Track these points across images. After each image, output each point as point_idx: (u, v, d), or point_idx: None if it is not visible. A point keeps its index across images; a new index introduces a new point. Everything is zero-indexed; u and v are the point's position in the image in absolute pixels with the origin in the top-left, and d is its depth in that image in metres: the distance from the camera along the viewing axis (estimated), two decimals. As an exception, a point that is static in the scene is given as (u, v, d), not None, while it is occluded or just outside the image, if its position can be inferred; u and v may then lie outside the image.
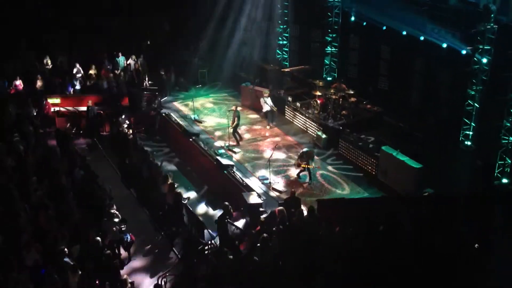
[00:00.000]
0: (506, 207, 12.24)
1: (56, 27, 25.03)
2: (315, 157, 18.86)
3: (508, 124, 16.76)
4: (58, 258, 11.69)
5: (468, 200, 13.49)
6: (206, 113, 23.71)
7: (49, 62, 23.91)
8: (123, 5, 26.37)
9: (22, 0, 24.30)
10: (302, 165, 17.98)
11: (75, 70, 23.53)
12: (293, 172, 18.56)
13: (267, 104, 22.00)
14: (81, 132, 21.36)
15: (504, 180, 17.02)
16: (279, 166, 19.01)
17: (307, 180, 18.08)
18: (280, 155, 19.78)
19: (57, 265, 11.45)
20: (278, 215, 14.16)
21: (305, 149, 18.38)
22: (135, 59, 25.18)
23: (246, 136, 21.38)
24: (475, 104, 18.34)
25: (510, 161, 16.93)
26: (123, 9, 26.45)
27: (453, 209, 12.73)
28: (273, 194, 17.29)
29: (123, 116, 21.04)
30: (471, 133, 18.74)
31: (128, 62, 25.02)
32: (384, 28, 21.94)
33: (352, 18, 23.96)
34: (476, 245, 11.09)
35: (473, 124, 18.59)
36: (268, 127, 22.15)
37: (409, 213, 12.51)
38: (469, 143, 18.85)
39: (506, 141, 16.86)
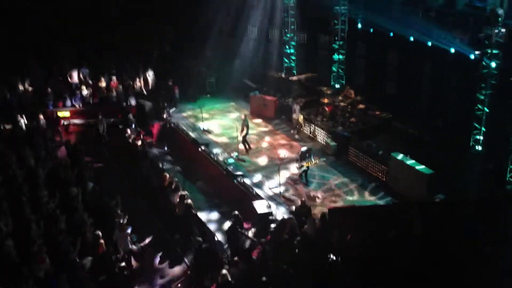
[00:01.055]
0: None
1: (64, 39, 25.19)
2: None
3: (518, 128, 16.66)
4: (70, 270, 11.72)
5: (480, 204, 13.39)
6: (214, 122, 23.75)
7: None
8: (130, 15, 26.46)
9: (30, 12, 24.46)
10: (305, 165, 18.00)
11: (81, 89, 23.57)
12: (303, 180, 18.54)
13: (295, 113, 22.17)
14: (91, 144, 21.42)
15: (516, 185, 16.89)
16: (289, 175, 18.97)
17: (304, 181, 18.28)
18: (289, 163, 19.74)
19: (69, 277, 11.48)
20: (287, 225, 14.14)
21: (303, 149, 18.43)
22: (144, 73, 25.22)
23: (256, 145, 21.36)
24: (485, 109, 18.24)
25: (521, 165, 16.80)
26: (130, 20, 26.56)
27: (464, 214, 12.63)
28: (284, 202, 17.24)
29: (132, 127, 21.10)
30: (481, 137, 18.63)
31: (138, 73, 25.09)
32: (391, 34, 21.92)
33: (359, 25, 23.97)
34: (488, 249, 11.00)
35: (483, 128, 18.48)
36: (296, 135, 22.21)
37: (421, 219, 12.41)
38: (479, 147, 18.73)
39: (517, 145, 16.75)
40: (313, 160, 18.24)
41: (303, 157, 18.20)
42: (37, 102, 22.54)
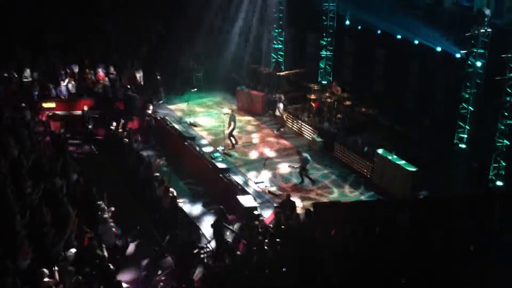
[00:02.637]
0: (502, 209, 12.28)
1: (52, 29, 24.97)
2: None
3: (503, 127, 16.83)
4: (54, 263, 11.66)
5: (464, 201, 13.54)
6: (201, 116, 23.71)
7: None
8: (119, 8, 26.29)
9: (18, 2, 24.21)
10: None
11: (67, 80, 23.33)
12: (288, 174, 18.61)
13: (279, 109, 22.18)
14: (77, 136, 21.29)
15: (499, 183, 17.08)
16: (274, 169, 19.02)
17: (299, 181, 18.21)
18: (275, 158, 19.79)
19: (52, 268, 11.42)
20: (274, 218, 14.21)
21: (305, 155, 18.31)
22: (133, 70, 25.06)
23: (242, 139, 21.37)
24: (470, 107, 18.41)
25: (504, 164, 16.99)
26: (119, 12, 26.39)
27: (449, 211, 12.76)
28: (269, 197, 17.29)
29: (119, 120, 20.98)
30: (465, 136, 18.81)
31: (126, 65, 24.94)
32: (379, 31, 22.00)
33: (347, 22, 24.01)
34: (472, 247, 11.12)
35: (467, 127, 18.66)
36: (278, 131, 22.17)
37: (405, 215, 12.52)
38: (463, 145, 18.91)
39: (501, 144, 16.92)
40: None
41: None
42: (22, 92, 22.33)
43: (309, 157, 18.27)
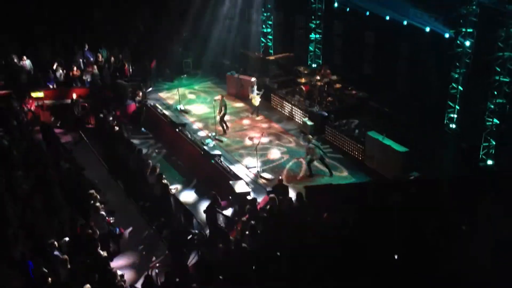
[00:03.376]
0: (492, 189, 12.38)
1: (39, 19, 24.72)
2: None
3: (492, 106, 16.91)
4: (47, 251, 11.65)
5: (455, 182, 13.64)
6: (191, 102, 23.63)
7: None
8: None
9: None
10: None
11: (55, 65, 23.16)
12: (279, 159, 18.65)
13: (252, 93, 22.04)
14: (66, 125, 21.18)
15: (489, 162, 17.20)
16: (266, 154, 19.04)
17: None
18: (267, 143, 19.80)
19: (46, 258, 11.42)
20: (269, 203, 14.23)
21: (311, 145, 17.86)
22: (120, 52, 24.92)
23: (233, 125, 21.34)
24: (459, 87, 18.46)
25: (494, 143, 17.09)
26: (106, 1, 26.16)
27: (440, 192, 12.85)
28: (261, 182, 17.32)
29: (108, 108, 20.87)
30: (455, 116, 18.89)
31: (113, 53, 24.76)
32: (368, 13, 21.92)
33: (336, 4, 23.89)
34: (464, 227, 11.21)
35: (457, 107, 18.73)
36: (252, 115, 22.10)
37: (397, 196, 12.59)
38: (453, 126, 18.99)
39: (490, 123, 17.01)
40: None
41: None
42: (11, 83, 22.13)
43: (319, 147, 17.85)
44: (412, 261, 10.32)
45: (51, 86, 22.73)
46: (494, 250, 9.70)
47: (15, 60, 22.73)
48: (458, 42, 18.03)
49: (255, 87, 22.17)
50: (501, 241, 9.72)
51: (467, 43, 17.84)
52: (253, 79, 22.69)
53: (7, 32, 23.67)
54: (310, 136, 18.31)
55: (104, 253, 12.41)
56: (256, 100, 21.86)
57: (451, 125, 19.02)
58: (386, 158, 17.14)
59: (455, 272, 9.49)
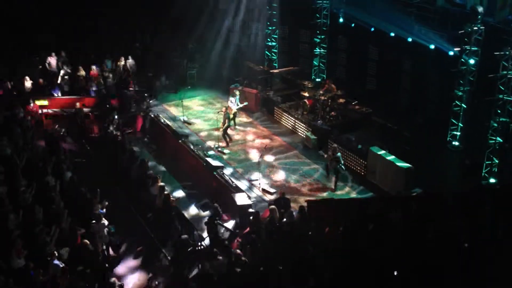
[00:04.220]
0: (494, 206, 12.34)
1: (45, 28, 24.90)
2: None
3: (495, 125, 16.92)
4: (47, 261, 11.63)
5: (457, 198, 13.60)
6: (195, 114, 23.68)
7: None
8: (112, 6, 26.24)
9: (9, 3, 24.14)
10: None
11: (62, 72, 23.32)
12: (281, 173, 18.65)
13: (232, 103, 21.50)
14: (70, 134, 21.21)
15: (492, 180, 17.17)
16: (268, 167, 19.03)
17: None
18: (269, 156, 19.81)
19: (46, 267, 11.39)
20: (269, 215, 14.21)
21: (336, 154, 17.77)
22: (124, 61, 25.07)
23: (236, 137, 21.36)
24: (463, 105, 18.50)
25: (497, 161, 17.08)
26: (112, 10, 26.32)
27: (442, 208, 12.82)
28: (263, 195, 17.30)
29: (112, 118, 20.92)
30: (458, 133, 18.91)
31: (118, 64, 24.88)
32: (372, 29, 22.06)
33: (341, 20, 24.05)
34: (466, 245, 11.16)
35: (460, 124, 18.75)
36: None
37: (399, 212, 12.56)
38: (456, 143, 19.01)
39: (493, 141, 17.02)
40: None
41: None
42: (14, 90, 22.21)
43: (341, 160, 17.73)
44: (413, 277, 10.27)
45: (55, 95, 22.82)
46: (496, 267, 9.66)
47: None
48: (462, 60, 18.09)
49: (237, 97, 21.75)
50: (503, 258, 9.69)
51: (472, 61, 17.91)
52: (236, 91, 22.21)
53: (12, 40, 23.82)
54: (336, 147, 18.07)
55: (104, 263, 12.38)
56: (233, 111, 21.43)
57: (454, 143, 19.03)
58: (389, 173, 17.13)
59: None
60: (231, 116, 21.32)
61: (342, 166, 17.62)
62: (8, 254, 11.47)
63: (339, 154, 17.63)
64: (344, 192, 17.62)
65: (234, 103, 21.42)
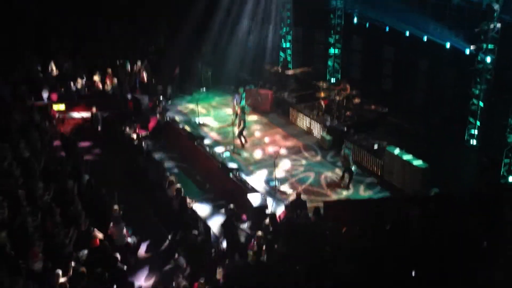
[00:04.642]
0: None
1: (60, 33, 25.15)
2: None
3: (513, 123, 16.75)
4: (66, 263, 11.72)
5: (475, 198, 13.47)
6: (210, 116, 23.74)
7: (53, 68, 23.96)
8: (126, 10, 26.45)
9: (25, 8, 24.41)
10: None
11: (78, 81, 23.54)
12: (297, 173, 18.61)
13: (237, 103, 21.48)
14: (87, 137, 21.38)
15: (511, 179, 16.97)
16: (284, 168, 19.00)
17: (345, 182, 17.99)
18: (284, 157, 19.78)
19: (65, 270, 11.48)
20: (285, 216, 14.19)
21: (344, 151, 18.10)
22: (141, 64, 25.24)
23: (251, 138, 21.38)
24: (480, 103, 18.32)
25: (515, 159, 16.90)
26: (126, 14, 26.53)
27: (460, 208, 12.70)
28: (279, 196, 17.28)
29: (128, 121, 21.06)
30: (476, 132, 18.72)
31: (134, 67, 25.06)
32: (387, 29, 21.95)
33: (355, 20, 23.98)
34: (485, 243, 11.05)
35: (478, 123, 18.56)
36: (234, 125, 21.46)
37: (416, 212, 12.48)
38: (474, 142, 18.83)
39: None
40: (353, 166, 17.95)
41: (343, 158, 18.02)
42: (32, 95, 22.46)
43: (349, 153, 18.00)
44: (431, 277, 10.19)
45: (72, 99, 23.02)
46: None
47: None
48: (479, 58, 17.92)
49: (243, 98, 21.61)
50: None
51: (488, 59, 17.73)
52: (241, 89, 22.02)
53: (27, 45, 24.09)
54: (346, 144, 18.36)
55: (122, 265, 12.44)
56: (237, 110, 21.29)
57: (471, 141, 18.86)
58: (406, 173, 17.00)
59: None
60: (238, 114, 21.12)
61: (353, 166, 17.64)
62: (27, 256, 11.58)
63: (347, 151, 17.73)
64: (361, 193, 17.53)
65: (238, 102, 21.34)
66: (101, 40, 25.89)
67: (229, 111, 23.66)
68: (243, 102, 21.28)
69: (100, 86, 23.66)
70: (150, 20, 27.07)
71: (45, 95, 22.74)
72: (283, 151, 19.98)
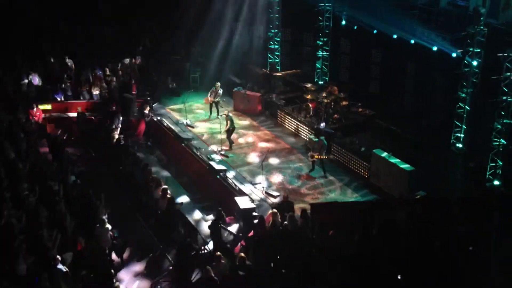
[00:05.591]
0: (499, 209, 12.30)
1: (50, 34, 24.98)
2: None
3: (499, 126, 16.85)
4: (51, 265, 11.61)
5: (462, 202, 13.56)
6: (198, 117, 23.67)
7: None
8: (115, 12, 26.32)
9: (17, 9, 24.24)
10: (315, 156, 18.29)
11: (65, 76, 23.37)
12: (285, 176, 18.61)
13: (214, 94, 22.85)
14: (73, 138, 21.23)
15: (496, 182, 17.09)
16: (271, 170, 18.99)
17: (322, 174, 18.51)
18: (272, 159, 19.77)
19: (50, 272, 11.37)
20: (271, 219, 14.18)
21: (316, 139, 18.71)
22: (128, 64, 25.11)
23: (239, 140, 21.35)
24: (466, 107, 18.43)
25: (501, 163, 17.01)
26: (114, 16, 26.41)
27: (446, 211, 12.78)
28: (266, 198, 17.26)
29: (115, 122, 20.93)
30: (462, 135, 18.84)
31: (122, 68, 24.94)
32: (375, 31, 22.03)
33: (343, 22, 24.04)
34: (470, 248, 11.12)
35: (464, 126, 18.68)
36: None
37: (403, 215, 12.54)
38: (460, 145, 18.94)
39: (497, 143, 16.94)
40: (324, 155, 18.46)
41: (314, 147, 18.58)
42: (19, 95, 22.25)
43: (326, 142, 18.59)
44: (417, 281, 10.23)
45: (58, 99, 22.84)
46: (501, 270, 9.62)
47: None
48: (465, 61, 18.03)
49: (220, 91, 22.93)
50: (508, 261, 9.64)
51: (475, 63, 17.85)
52: (220, 90, 23.10)
53: (15, 45, 23.90)
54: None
55: (108, 268, 12.37)
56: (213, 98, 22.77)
57: (458, 145, 18.97)
58: (393, 176, 17.06)
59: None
60: (211, 106, 22.86)
61: (324, 155, 18.37)
62: (12, 259, 11.46)
63: (325, 142, 18.40)
64: (348, 195, 17.57)
65: (213, 96, 22.81)
66: (90, 41, 25.72)
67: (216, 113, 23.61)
68: (219, 97, 22.59)
69: (87, 86, 23.47)
70: (139, 21, 26.93)
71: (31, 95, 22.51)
72: (270, 154, 19.95)
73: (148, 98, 23.58)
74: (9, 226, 12.42)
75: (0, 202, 13.20)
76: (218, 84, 23.02)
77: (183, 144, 19.78)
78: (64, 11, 25.03)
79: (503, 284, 9.39)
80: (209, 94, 23.06)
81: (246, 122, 23.20)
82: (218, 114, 22.89)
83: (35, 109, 21.11)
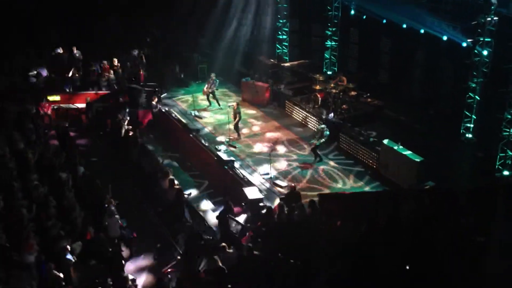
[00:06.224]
0: (508, 200, 12.20)
1: (57, 25, 25.02)
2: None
3: (509, 116, 16.72)
4: (60, 255, 11.69)
5: (471, 192, 13.46)
6: (206, 108, 23.67)
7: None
8: (123, 2, 26.31)
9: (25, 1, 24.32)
10: (315, 142, 18.70)
11: (71, 72, 23.39)
12: (293, 166, 18.59)
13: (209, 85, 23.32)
14: (82, 128, 21.31)
15: (505, 172, 16.99)
16: (280, 161, 18.98)
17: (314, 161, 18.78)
18: (281, 149, 19.76)
19: (59, 262, 11.45)
20: (277, 210, 14.18)
21: (320, 126, 19.07)
22: (136, 55, 25.13)
23: (247, 131, 21.34)
24: (476, 97, 18.30)
25: (511, 153, 16.89)
26: (123, 6, 26.39)
27: (455, 202, 12.70)
28: (274, 189, 17.26)
29: (123, 113, 20.97)
30: (472, 125, 18.71)
31: (130, 59, 24.96)
32: (384, 21, 21.87)
33: (352, 12, 23.89)
34: (479, 239, 11.04)
35: (474, 116, 18.55)
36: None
37: (411, 206, 12.47)
38: (470, 135, 18.82)
39: (507, 133, 16.82)
40: (318, 140, 18.72)
41: (315, 135, 19.03)
42: (27, 86, 22.34)
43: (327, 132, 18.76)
44: (424, 271, 10.18)
45: (67, 90, 22.91)
46: (509, 261, 9.55)
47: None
48: (475, 51, 17.87)
49: (216, 82, 23.37)
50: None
51: (485, 53, 17.69)
52: (216, 81, 23.52)
53: (23, 36, 23.95)
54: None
55: (117, 257, 12.42)
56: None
57: (467, 135, 18.85)
58: (401, 167, 16.99)
59: (468, 284, 9.36)
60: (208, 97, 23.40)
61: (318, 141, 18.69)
62: (21, 249, 11.54)
63: (327, 132, 18.64)
64: (356, 186, 17.53)
65: (210, 87, 23.28)
66: (98, 32, 25.72)
67: (224, 103, 23.58)
68: (215, 87, 23.17)
69: (96, 77, 23.53)
70: (147, 12, 26.90)
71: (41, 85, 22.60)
72: (279, 144, 19.94)
73: (156, 89, 23.62)
74: (19, 215, 12.50)
75: (10, 192, 13.28)
76: (213, 74, 23.44)
77: (191, 135, 19.79)
78: (73, 2, 25.00)
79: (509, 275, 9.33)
80: (205, 86, 23.41)
81: (254, 112, 23.18)
82: (218, 104, 23.24)
83: (44, 100, 21.20)
